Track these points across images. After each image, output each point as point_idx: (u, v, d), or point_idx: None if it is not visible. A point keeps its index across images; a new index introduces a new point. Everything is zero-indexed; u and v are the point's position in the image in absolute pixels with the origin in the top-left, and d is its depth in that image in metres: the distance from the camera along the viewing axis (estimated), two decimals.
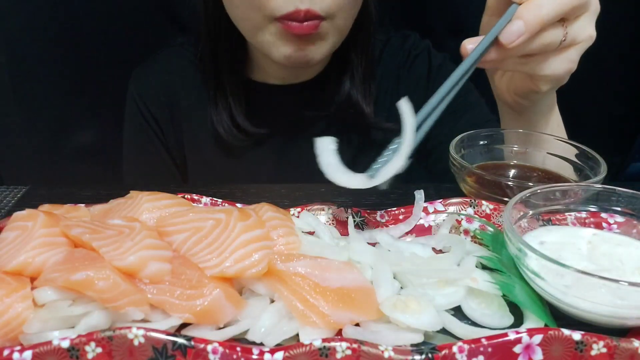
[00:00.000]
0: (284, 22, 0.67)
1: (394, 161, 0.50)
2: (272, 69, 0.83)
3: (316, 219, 0.54)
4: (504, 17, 0.53)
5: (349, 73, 0.82)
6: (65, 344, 0.37)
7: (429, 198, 0.56)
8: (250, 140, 0.84)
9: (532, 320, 0.43)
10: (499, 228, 0.53)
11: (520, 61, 0.57)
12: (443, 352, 0.37)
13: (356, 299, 0.43)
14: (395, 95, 0.87)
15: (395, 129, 0.85)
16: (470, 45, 0.55)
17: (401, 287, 0.47)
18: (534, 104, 0.66)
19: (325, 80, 0.84)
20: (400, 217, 0.56)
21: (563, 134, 0.71)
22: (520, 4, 0.53)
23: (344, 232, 0.54)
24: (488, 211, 0.55)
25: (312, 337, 0.38)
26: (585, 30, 0.57)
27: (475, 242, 0.53)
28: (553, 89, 0.64)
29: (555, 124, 0.71)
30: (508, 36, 0.53)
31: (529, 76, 0.61)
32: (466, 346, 0.37)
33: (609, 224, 0.51)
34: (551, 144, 0.64)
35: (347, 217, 0.55)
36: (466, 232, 0.55)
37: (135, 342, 0.37)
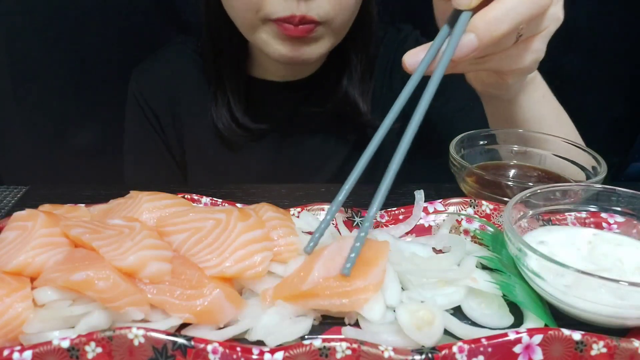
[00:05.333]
0: (279, 24, 0.68)
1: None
2: (271, 66, 0.83)
3: (316, 219, 0.54)
4: (457, 26, 0.47)
5: (348, 71, 0.83)
6: (65, 344, 0.37)
7: (429, 198, 0.56)
8: (249, 136, 0.85)
9: (532, 320, 0.43)
10: (499, 228, 0.53)
11: (476, 62, 0.52)
12: (443, 352, 0.37)
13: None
14: (389, 88, 0.88)
15: (391, 128, 0.86)
16: (412, 59, 0.48)
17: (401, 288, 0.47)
18: (507, 91, 0.62)
19: (324, 77, 0.85)
20: (400, 217, 0.56)
21: (553, 103, 0.67)
22: (472, 11, 0.47)
23: (344, 233, 0.54)
24: (488, 211, 0.55)
25: None
26: (551, 17, 0.52)
27: (475, 242, 0.53)
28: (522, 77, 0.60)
29: (539, 95, 0.65)
30: (459, 51, 0.47)
31: (493, 72, 0.58)
32: (466, 346, 0.37)
33: (609, 224, 0.51)
34: (551, 144, 0.64)
35: (347, 217, 0.55)
36: (466, 232, 0.55)
37: (135, 342, 0.37)
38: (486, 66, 0.54)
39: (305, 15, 0.67)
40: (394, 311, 0.43)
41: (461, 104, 0.84)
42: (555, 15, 0.52)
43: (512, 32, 0.47)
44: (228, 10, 0.74)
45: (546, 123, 0.67)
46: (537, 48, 0.54)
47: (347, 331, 0.41)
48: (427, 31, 0.91)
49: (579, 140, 0.70)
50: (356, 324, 0.43)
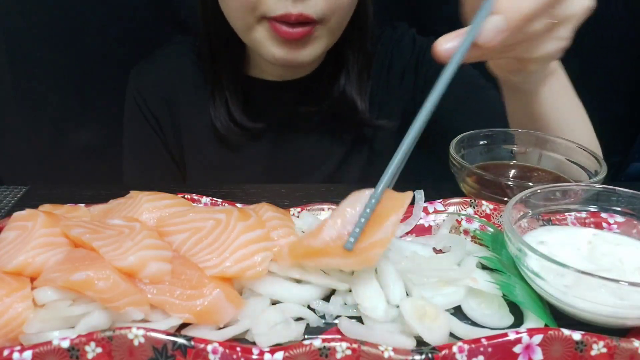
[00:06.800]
0: (273, 24, 0.68)
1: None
2: (268, 67, 0.83)
3: (316, 219, 0.54)
4: (482, 10, 0.45)
5: (345, 70, 0.83)
6: (65, 344, 0.37)
7: (429, 198, 0.56)
8: (247, 135, 0.86)
9: (532, 320, 0.43)
10: (499, 228, 0.53)
11: (502, 49, 0.49)
12: (443, 352, 0.37)
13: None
14: (386, 86, 0.88)
15: (387, 127, 0.86)
16: (448, 45, 0.45)
17: None
18: (527, 80, 0.61)
19: (321, 76, 0.85)
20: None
21: (572, 96, 0.66)
22: None
23: None
24: (488, 211, 0.55)
25: None
26: (578, 3, 0.50)
27: (475, 242, 0.53)
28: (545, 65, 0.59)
29: (559, 86, 0.64)
30: (486, 35, 0.45)
31: (516, 59, 0.56)
32: (466, 346, 0.37)
33: (609, 224, 0.51)
34: (551, 144, 0.64)
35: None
36: (466, 232, 0.55)
37: (135, 342, 0.37)
38: (514, 53, 0.52)
39: (301, 12, 0.66)
40: (398, 308, 0.43)
41: (460, 95, 0.83)
42: (584, 2, 0.50)
43: (541, 10, 0.45)
44: (224, 10, 0.74)
45: (565, 116, 0.66)
46: (563, 35, 0.52)
47: (345, 325, 0.42)
48: (423, 30, 0.91)
49: (594, 137, 0.69)
50: (359, 321, 0.43)
